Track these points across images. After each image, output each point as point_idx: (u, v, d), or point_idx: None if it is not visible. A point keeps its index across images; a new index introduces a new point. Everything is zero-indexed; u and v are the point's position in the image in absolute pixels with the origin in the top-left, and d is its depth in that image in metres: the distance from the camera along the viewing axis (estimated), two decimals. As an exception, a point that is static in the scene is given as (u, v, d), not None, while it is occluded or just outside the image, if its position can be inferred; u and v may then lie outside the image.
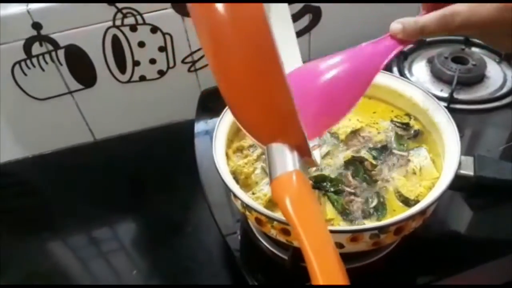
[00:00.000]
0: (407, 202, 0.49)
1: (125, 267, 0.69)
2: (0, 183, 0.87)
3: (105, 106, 0.87)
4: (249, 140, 0.57)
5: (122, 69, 0.82)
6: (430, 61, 0.80)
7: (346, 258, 0.49)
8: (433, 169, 0.51)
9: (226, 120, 0.57)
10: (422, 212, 0.46)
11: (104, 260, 0.70)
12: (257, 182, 0.52)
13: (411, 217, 0.45)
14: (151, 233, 0.73)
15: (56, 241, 0.75)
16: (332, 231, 0.44)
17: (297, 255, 0.50)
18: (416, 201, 0.48)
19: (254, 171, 0.53)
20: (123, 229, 0.75)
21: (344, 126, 0.57)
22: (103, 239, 0.73)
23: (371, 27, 0.84)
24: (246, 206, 0.48)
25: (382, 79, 0.60)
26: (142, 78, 0.85)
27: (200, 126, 0.74)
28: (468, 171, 0.49)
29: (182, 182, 0.77)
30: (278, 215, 0.46)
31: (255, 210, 0.46)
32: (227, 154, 0.55)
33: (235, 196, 0.48)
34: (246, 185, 0.52)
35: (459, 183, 0.49)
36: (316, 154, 0.49)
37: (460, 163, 0.49)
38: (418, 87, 0.57)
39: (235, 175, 0.53)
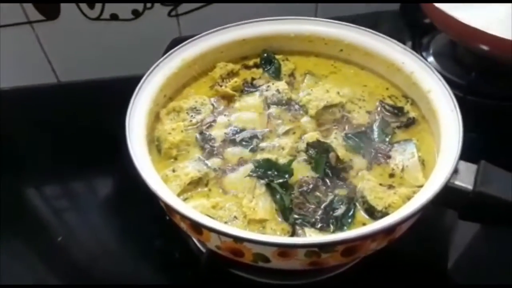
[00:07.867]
0: (371, 212, 0.35)
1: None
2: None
3: (70, 45, 0.75)
4: (192, 101, 0.45)
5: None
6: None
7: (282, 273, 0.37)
8: (418, 173, 0.37)
9: (166, 69, 0.44)
10: (387, 230, 0.33)
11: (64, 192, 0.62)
12: (182, 156, 0.40)
13: (369, 237, 0.32)
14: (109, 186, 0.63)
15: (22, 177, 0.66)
16: (248, 240, 0.31)
17: (212, 262, 0.37)
18: (384, 214, 0.34)
19: (182, 140, 0.41)
20: (87, 176, 0.65)
21: (317, 98, 0.43)
22: (68, 178, 0.63)
23: None
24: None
25: (380, 45, 0.46)
26: (114, 17, 0.72)
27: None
28: (466, 183, 0.34)
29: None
30: (186, 207, 0.34)
31: (157, 197, 0.34)
32: (158, 115, 0.43)
33: (138, 173, 0.35)
34: (169, 156, 0.40)
35: (450, 198, 0.35)
36: None
37: (457, 170, 0.35)
38: (421, 60, 0.43)
39: (159, 142, 0.41)
